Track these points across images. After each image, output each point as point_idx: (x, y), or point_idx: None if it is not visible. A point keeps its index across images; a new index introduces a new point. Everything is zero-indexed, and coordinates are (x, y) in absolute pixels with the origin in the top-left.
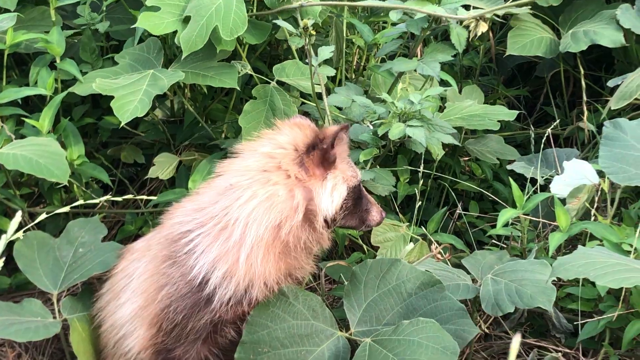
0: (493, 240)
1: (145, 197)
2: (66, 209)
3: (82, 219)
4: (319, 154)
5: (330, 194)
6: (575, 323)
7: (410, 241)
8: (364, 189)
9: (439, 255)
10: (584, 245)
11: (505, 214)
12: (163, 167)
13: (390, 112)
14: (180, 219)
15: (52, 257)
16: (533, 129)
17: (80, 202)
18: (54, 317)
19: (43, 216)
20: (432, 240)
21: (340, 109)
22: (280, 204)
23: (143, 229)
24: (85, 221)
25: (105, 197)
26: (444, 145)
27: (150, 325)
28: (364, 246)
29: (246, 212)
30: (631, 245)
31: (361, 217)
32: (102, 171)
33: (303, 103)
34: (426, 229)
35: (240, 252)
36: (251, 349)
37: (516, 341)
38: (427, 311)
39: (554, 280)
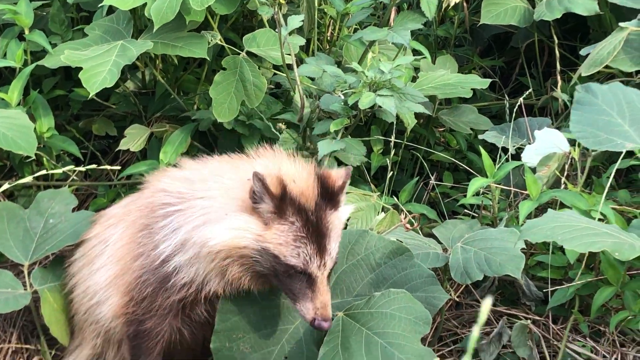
0: (466, 210)
1: (114, 167)
2: (29, 179)
3: (51, 190)
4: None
5: (227, 229)
6: (545, 290)
7: (382, 211)
8: (321, 283)
9: (408, 225)
10: None
11: (476, 183)
12: (134, 138)
13: (360, 81)
14: (166, 185)
15: (22, 229)
16: (508, 99)
17: (44, 172)
18: (25, 289)
19: (6, 186)
20: (404, 210)
21: (312, 79)
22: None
23: (115, 201)
24: (54, 192)
25: (69, 167)
26: (418, 116)
27: (124, 293)
28: None
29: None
30: (601, 213)
31: (291, 296)
32: (72, 144)
33: (275, 74)
34: (398, 200)
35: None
36: (226, 337)
37: (486, 305)
38: (397, 280)
39: (524, 249)
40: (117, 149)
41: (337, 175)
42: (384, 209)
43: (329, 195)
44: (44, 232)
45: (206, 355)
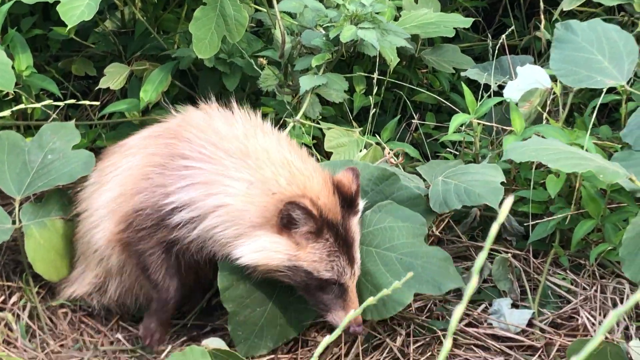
0: (448, 149)
1: (93, 102)
2: (6, 112)
3: (56, 123)
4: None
5: (257, 250)
6: (525, 224)
7: (365, 148)
8: (352, 292)
9: (392, 160)
10: None
11: (458, 119)
12: (114, 77)
13: (342, 15)
14: (193, 135)
15: (21, 161)
16: (491, 40)
17: (22, 106)
18: (13, 223)
19: None
20: (386, 147)
21: (293, 16)
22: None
23: (97, 142)
24: (59, 125)
25: (47, 102)
26: (401, 57)
27: (119, 221)
28: (316, 154)
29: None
30: (582, 146)
31: (321, 307)
32: (51, 82)
33: (257, 10)
34: (380, 138)
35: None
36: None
37: (507, 203)
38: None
39: (505, 184)
40: (97, 88)
41: (349, 179)
42: (366, 146)
43: (348, 203)
44: (41, 167)
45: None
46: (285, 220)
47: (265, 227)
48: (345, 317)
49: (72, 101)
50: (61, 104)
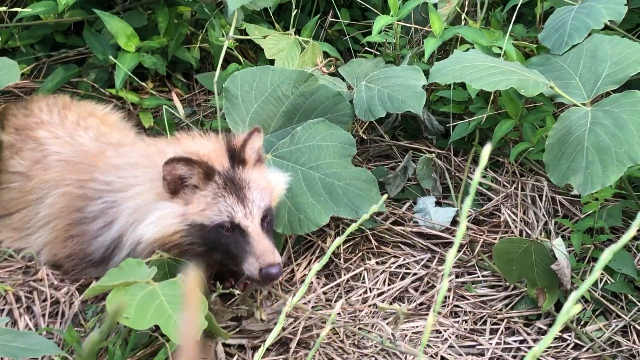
0: (366, 48)
1: (14, 9)
2: None
3: None
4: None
5: (151, 222)
6: (447, 125)
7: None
8: (254, 232)
9: (324, 69)
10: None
11: (380, 21)
12: None
13: None
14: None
15: None
16: None
17: None
18: None
19: None
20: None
21: None
22: None
23: (9, 42)
24: None
25: None
26: None
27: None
28: (240, 57)
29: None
30: (500, 48)
31: (236, 262)
32: None
33: None
34: (300, 37)
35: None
36: None
37: (486, 150)
38: (307, 107)
39: (425, 85)
40: None
41: (241, 135)
42: (301, 45)
43: (237, 154)
44: None
45: None
46: (172, 183)
47: (159, 200)
48: (255, 261)
49: None
50: None
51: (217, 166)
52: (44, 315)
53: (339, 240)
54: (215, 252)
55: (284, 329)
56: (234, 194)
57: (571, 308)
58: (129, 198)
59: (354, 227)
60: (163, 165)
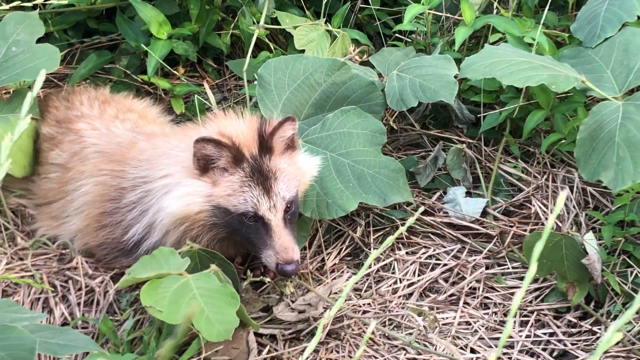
0: (397, 35)
1: None
2: None
3: (20, 13)
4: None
5: (178, 197)
6: (478, 115)
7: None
8: (276, 226)
9: (356, 57)
10: (486, 39)
11: (412, 10)
12: None
13: None
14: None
15: None
16: None
17: None
18: None
19: None
20: (350, 45)
21: None
22: None
23: None
24: (23, 15)
25: None
26: None
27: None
28: (270, 43)
29: None
30: (533, 39)
31: (255, 250)
32: None
33: None
34: (330, 24)
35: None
36: None
37: (562, 197)
38: (339, 95)
39: (457, 75)
40: None
41: (273, 122)
42: (332, 35)
43: (265, 142)
44: (4, 59)
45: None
46: (202, 161)
47: (188, 176)
48: (273, 255)
49: None
50: None
51: (246, 152)
52: (79, 304)
53: (375, 253)
54: (237, 236)
55: (315, 319)
56: (260, 184)
57: (611, 338)
58: (160, 178)
59: (390, 240)
60: (194, 143)
